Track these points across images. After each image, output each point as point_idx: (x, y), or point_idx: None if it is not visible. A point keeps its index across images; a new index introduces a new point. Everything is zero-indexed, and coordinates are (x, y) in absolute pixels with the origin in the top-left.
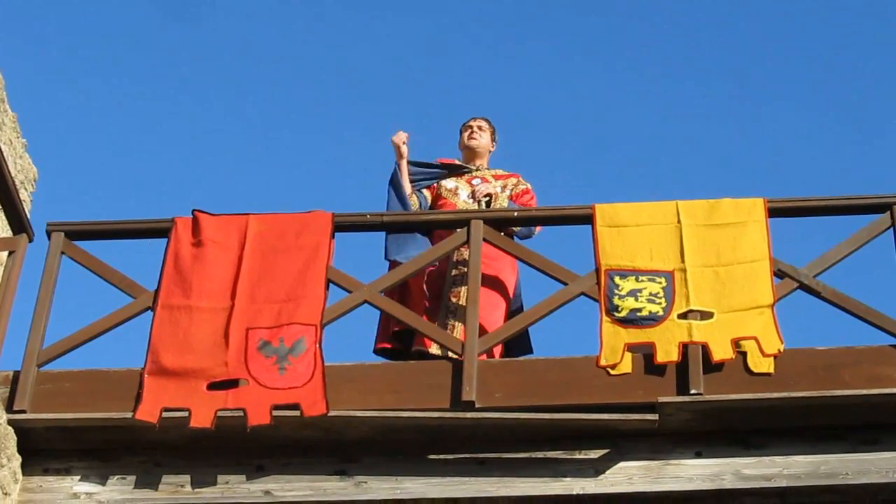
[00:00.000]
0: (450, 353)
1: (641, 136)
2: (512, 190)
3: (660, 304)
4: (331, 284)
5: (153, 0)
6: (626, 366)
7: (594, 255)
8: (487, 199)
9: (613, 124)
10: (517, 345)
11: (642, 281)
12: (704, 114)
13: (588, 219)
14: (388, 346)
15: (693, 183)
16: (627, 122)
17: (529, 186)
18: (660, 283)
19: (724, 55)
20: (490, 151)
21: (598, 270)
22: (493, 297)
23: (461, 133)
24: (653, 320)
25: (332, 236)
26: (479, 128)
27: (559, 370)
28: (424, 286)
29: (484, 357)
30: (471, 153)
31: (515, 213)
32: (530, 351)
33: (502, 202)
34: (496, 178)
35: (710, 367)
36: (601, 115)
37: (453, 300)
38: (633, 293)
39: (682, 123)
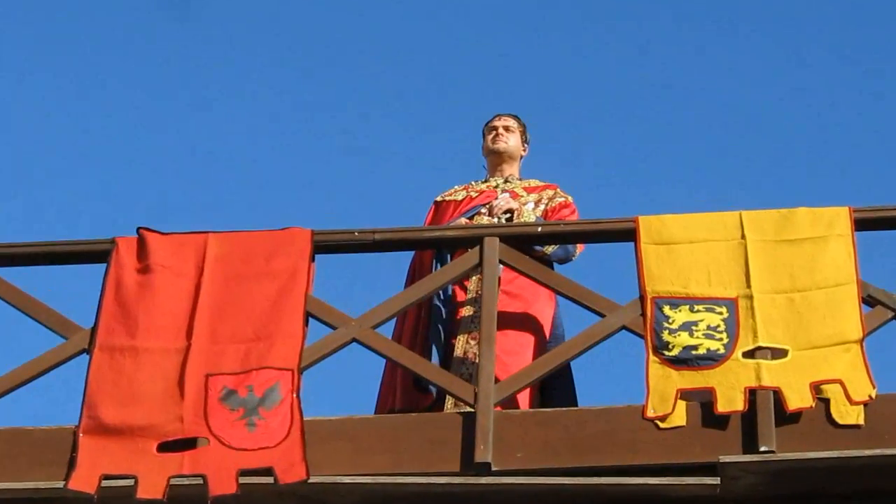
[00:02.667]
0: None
1: (693, 134)
2: (547, 204)
3: (720, 339)
4: (311, 319)
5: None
6: (680, 417)
7: (638, 280)
8: (508, 216)
9: (660, 118)
10: (557, 394)
11: (698, 311)
12: (770, 103)
13: (630, 234)
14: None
15: (757, 190)
16: (677, 115)
17: (570, 199)
18: (720, 313)
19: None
20: (521, 156)
21: (642, 298)
22: (523, 337)
23: (484, 136)
24: (712, 360)
25: (312, 258)
26: (506, 128)
27: (595, 423)
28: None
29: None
30: (497, 159)
31: (539, 228)
32: (574, 401)
33: (527, 218)
34: (529, 190)
35: (784, 417)
36: (644, 108)
37: (472, 343)
38: (687, 326)
39: (740, 115)
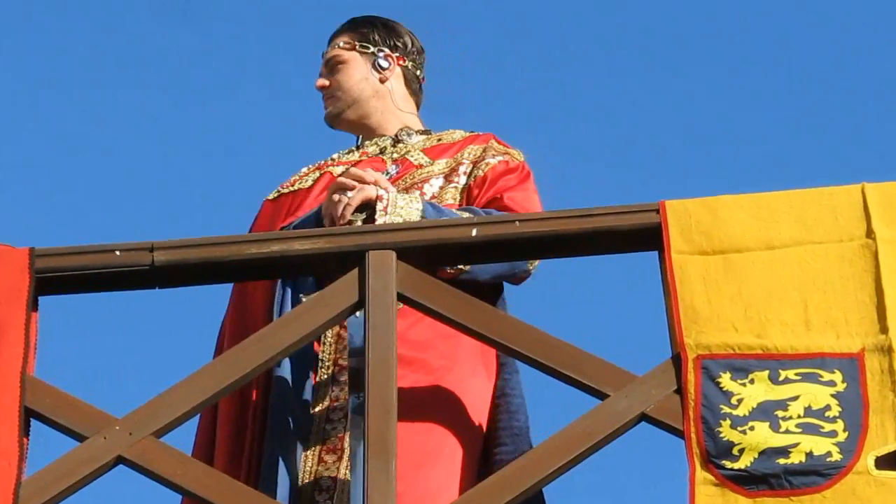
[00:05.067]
0: None
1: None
2: (472, 172)
3: (833, 434)
4: (35, 421)
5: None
6: None
7: (669, 325)
8: (364, 215)
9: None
10: None
11: (788, 380)
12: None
13: (651, 236)
14: None
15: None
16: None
17: (517, 156)
18: (831, 382)
19: None
20: (390, 93)
21: (678, 360)
22: (432, 436)
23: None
24: (818, 476)
25: (34, 304)
26: (336, 65)
27: None
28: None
29: None
30: (351, 128)
31: (474, 231)
32: None
33: (406, 212)
34: (435, 153)
35: None
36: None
37: (330, 462)
38: (768, 412)
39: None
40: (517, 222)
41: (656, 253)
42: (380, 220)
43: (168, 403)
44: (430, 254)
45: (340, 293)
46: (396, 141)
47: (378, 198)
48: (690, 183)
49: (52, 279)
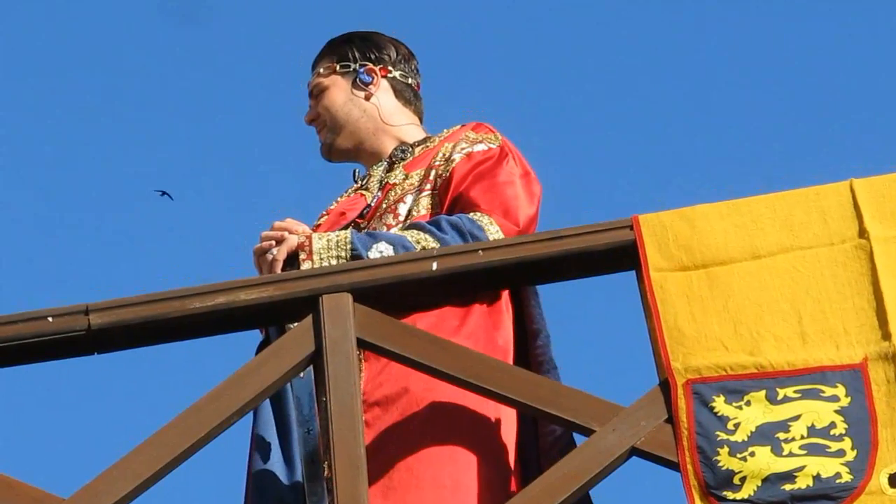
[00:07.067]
0: None
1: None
2: (443, 169)
3: (840, 453)
4: None
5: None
6: None
7: (653, 349)
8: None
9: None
10: None
11: (788, 399)
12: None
13: (626, 254)
14: None
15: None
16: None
17: (491, 141)
18: (834, 398)
19: None
20: (379, 109)
21: (667, 386)
22: (449, 465)
23: None
24: (828, 499)
25: None
26: (319, 93)
27: None
28: None
29: None
30: (349, 156)
31: (434, 265)
32: None
33: (322, 252)
34: (412, 166)
35: None
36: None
37: None
38: (768, 434)
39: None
40: (480, 251)
41: (633, 272)
42: (305, 267)
43: (118, 478)
44: (389, 293)
45: (295, 343)
46: (392, 164)
47: (300, 246)
48: (664, 194)
49: None
